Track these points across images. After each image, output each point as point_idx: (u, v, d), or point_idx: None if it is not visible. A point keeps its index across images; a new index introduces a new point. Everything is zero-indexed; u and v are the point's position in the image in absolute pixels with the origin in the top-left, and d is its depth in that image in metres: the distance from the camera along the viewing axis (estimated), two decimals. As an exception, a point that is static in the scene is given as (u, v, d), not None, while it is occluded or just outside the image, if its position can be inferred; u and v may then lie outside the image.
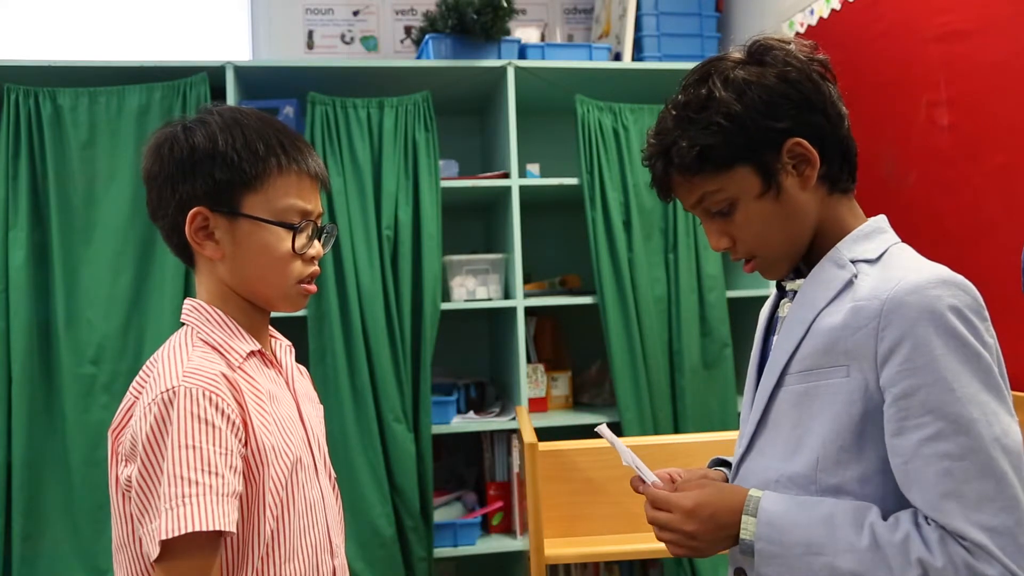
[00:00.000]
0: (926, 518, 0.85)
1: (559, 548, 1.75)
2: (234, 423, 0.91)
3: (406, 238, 2.33)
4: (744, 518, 0.92)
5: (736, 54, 0.98)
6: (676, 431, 2.45)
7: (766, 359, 1.03)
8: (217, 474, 0.87)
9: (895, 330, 0.87)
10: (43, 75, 2.22)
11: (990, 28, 1.74)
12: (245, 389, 0.97)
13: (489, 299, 2.44)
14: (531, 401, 2.52)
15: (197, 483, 0.86)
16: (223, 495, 0.87)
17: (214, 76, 2.27)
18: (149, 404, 0.90)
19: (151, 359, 0.98)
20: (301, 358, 2.04)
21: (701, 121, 0.94)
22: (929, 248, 1.94)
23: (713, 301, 2.50)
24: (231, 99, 2.28)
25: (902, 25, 2.00)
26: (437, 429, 2.38)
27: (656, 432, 2.41)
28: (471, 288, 2.44)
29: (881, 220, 1.01)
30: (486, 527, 2.45)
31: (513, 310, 2.42)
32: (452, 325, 2.67)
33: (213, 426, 0.89)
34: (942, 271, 0.89)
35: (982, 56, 1.77)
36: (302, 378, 1.17)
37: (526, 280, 2.51)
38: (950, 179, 1.89)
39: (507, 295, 2.47)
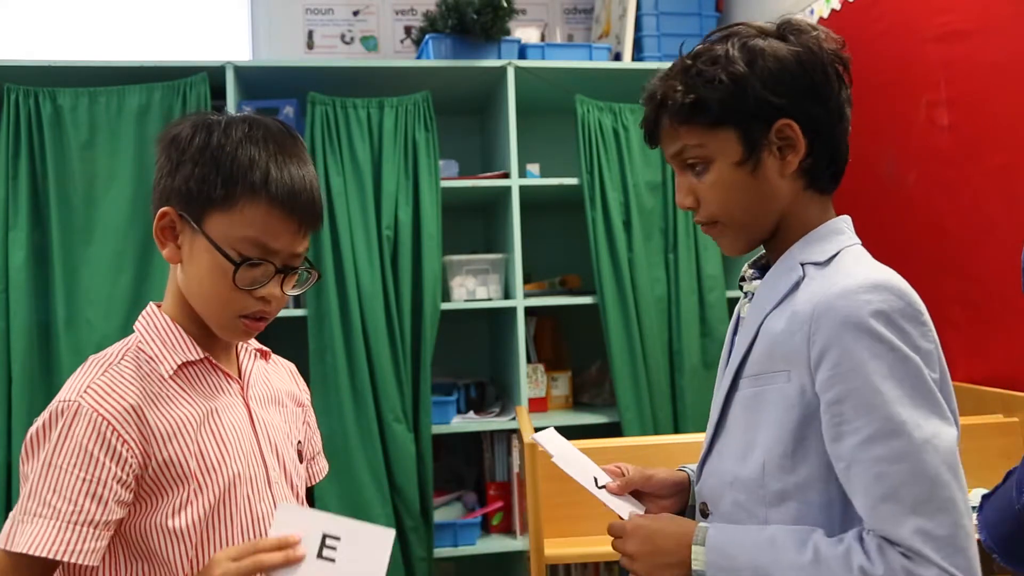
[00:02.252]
0: (867, 530, 0.85)
1: (559, 548, 1.75)
2: (118, 454, 0.90)
3: (406, 238, 2.33)
4: (694, 548, 0.93)
5: (764, 25, 0.98)
6: (676, 431, 2.45)
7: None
8: (71, 500, 0.87)
9: (823, 335, 0.87)
10: (43, 75, 2.22)
11: (990, 28, 1.74)
12: (166, 406, 0.95)
13: (489, 299, 2.44)
14: (531, 401, 2.52)
15: (47, 504, 0.87)
16: (72, 523, 0.87)
17: (214, 76, 2.27)
18: (47, 408, 0.91)
19: (86, 359, 0.98)
20: (301, 358, 2.02)
21: (706, 74, 0.94)
22: (929, 248, 1.95)
23: (713, 301, 2.50)
24: (231, 99, 2.28)
25: (902, 25, 2.00)
26: (437, 429, 2.38)
27: (656, 432, 2.41)
28: (471, 288, 2.44)
29: (840, 221, 0.99)
30: (486, 527, 2.45)
31: (513, 310, 2.42)
32: (452, 325, 2.66)
33: (88, 453, 0.88)
34: (877, 275, 0.88)
35: (982, 56, 1.77)
36: (275, 379, 1.14)
37: (526, 280, 2.51)
38: (950, 179, 1.89)
39: (507, 295, 2.47)
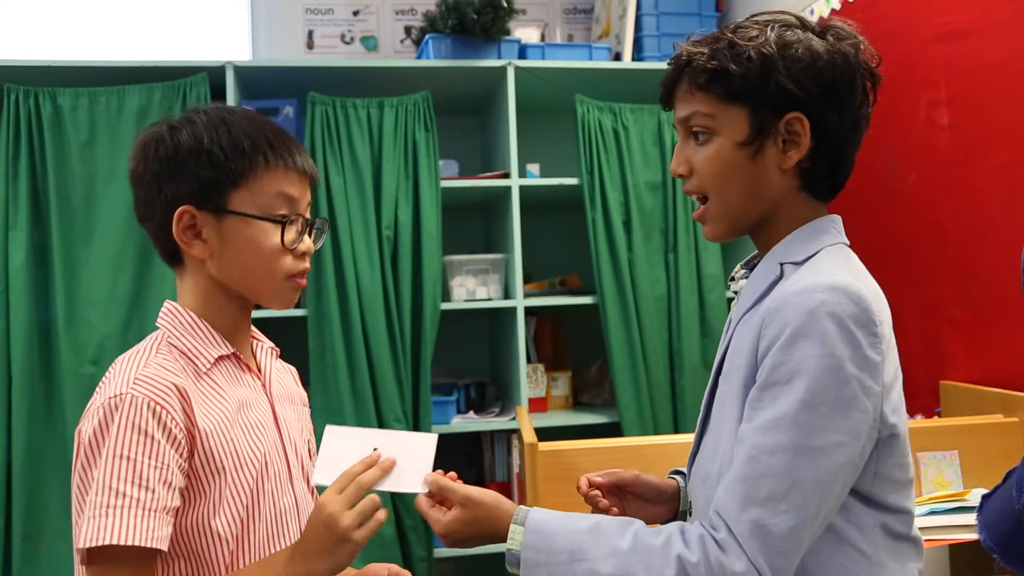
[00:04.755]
0: (713, 510, 0.86)
1: (559, 548, 1.75)
2: (176, 438, 0.91)
3: (406, 238, 2.33)
4: (512, 527, 0.93)
5: (809, 20, 0.98)
6: (676, 431, 2.45)
7: None
8: (147, 488, 0.87)
9: (772, 330, 0.87)
10: (43, 75, 2.22)
11: (990, 28, 1.75)
12: (205, 399, 0.96)
13: (489, 299, 2.44)
14: (531, 401, 2.52)
15: (124, 495, 0.86)
16: (150, 510, 0.87)
17: (214, 76, 2.27)
18: (96, 408, 0.90)
19: (115, 360, 0.98)
20: (301, 358, 2.02)
21: (737, 47, 0.93)
22: (929, 248, 1.95)
23: (713, 301, 2.50)
24: (231, 99, 2.28)
25: (902, 25, 2.00)
26: (437, 429, 2.38)
27: (656, 432, 2.41)
28: (471, 288, 2.44)
29: (825, 221, 0.98)
30: (486, 527, 2.45)
31: (513, 310, 2.42)
32: (452, 325, 2.66)
33: (152, 439, 0.89)
34: (839, 277, 0.87)
35: (982, 56, 1.77)
36: (286, 379, 1.16)
37: (526, 280, 2.51)
38: (950, 179, 1.89)
39: (507, 295, 2.47)
